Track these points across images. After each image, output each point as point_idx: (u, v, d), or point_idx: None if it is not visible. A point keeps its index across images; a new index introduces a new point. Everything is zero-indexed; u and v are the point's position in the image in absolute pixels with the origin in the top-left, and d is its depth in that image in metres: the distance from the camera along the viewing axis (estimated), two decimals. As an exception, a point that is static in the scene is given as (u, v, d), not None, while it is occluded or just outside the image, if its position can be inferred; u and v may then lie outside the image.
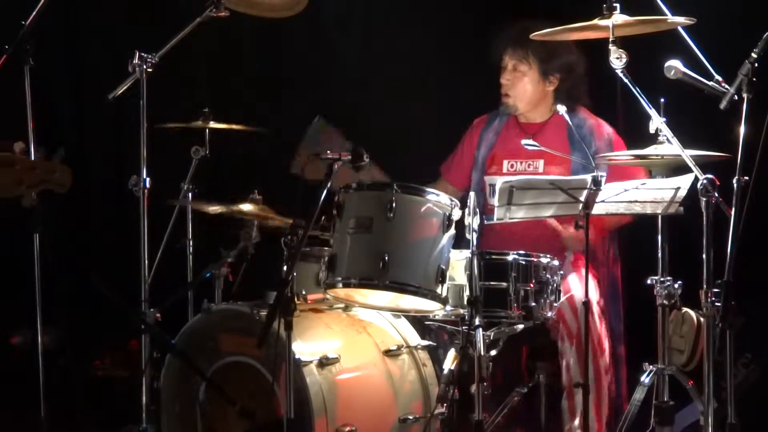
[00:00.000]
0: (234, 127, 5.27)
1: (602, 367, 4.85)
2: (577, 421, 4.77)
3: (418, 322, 4.81)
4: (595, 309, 4.87)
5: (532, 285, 4.57)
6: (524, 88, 5.24)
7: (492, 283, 4.53)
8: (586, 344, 4.43)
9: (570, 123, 4.83)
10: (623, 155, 4.88)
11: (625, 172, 4.92)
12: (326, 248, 4.62)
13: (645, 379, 4.52)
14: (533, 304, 4.58)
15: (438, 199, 4.49)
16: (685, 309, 4.54)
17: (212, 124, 5.22)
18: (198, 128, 5.22)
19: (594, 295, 4.91)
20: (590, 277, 4.46)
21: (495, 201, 4.39)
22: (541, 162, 5.19)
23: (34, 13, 4.69)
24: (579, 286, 4.86)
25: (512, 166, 5.26)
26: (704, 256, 4.13)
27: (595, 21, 4.42)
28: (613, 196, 4.45)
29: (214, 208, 4.83)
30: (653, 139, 4.46)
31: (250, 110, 6.05)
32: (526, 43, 5.04)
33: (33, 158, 3.81)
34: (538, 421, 4.88)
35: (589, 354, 4.59)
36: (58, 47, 6.53)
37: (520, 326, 4.63)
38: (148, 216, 4.78)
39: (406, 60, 6.28)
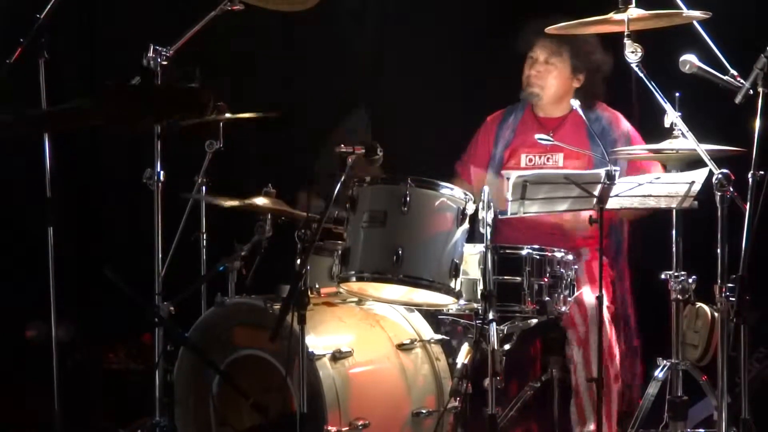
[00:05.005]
0: (246, 115, 5.26)
1: (612, 373, 4.84)
2: (589, 427, 4.77)
3: (432, 316, 4.81)
4: (606, 315, 4.80)
5: (546, 279, 4.58)
6: (552, 81, 5.23)
7: (506, 277, 4.54)
8: (600, 337, 4.42)
9: (585, 118, 4.82)
10: (638, 149, 4.87)
11: (642, 169, 4.92)
12: (340, 242, 4.62)
13: (659, 373, 4.52)
14: (547, 298, 4.59)
15: (452, 193, 4.48)
16: (699, 304, 4.53)
17: (225, 116, 5.21)
18: (212, 122, 5.22)
19: (605, 300, 4.88)
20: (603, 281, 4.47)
21: (509, 195, 4.39)
22: (561, 156, 5.19)
23: (49, 6, 4.70)
24: (589, 291, 4.86)
25: (530, 160, 5.26)
26: (719, 250, 4.12)
27: (611, 15, 4.42)
28: (627, 190, 4.44)
29: (229, 203, 4.83)
30: (668, 133, 4.45)
31: (261, 104, 6.04)
32: (561, 36, 5.03)
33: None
34: (552, 415, 4.88)
35: (603, 351, 4.60)
36: (72, 40, 6.53)
37: (534, 320, 4.64)
38: (161, 209, 4.79)
39: (419, 56, 6.27)
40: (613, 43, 4.61)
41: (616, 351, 4.91)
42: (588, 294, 4.84)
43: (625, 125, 5.21)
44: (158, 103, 2.92)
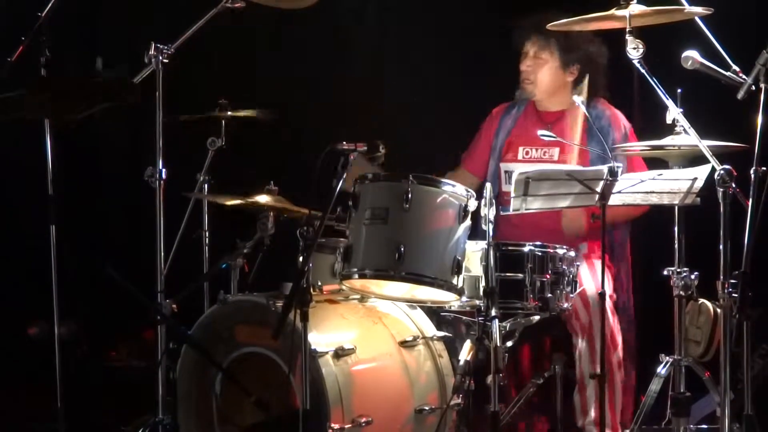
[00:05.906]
0: (247, 114, 5.26)
1: (615, 362, 4.84)
2: (591, 415, 4.78)
3: (434, 313, 4.81)
4: (608, 303, 4.81)
5: (548, 276, 4.58)
6: (544, 75, 5.22)
7: (508, 274, 4.53)
8: (603, 333, 4.43)
9: (588, 114, 4.82)
10: (640, 146, 4.86)
11: (642, 165, 4.92)
12: (342, 239, 4.62)
13: (661, 370, 4.52)
14: (549, 295, 4.58)
15: (454, 190, 4.48)
16: (701, 300, 4.54)
17: (228, 113, 5.21)
18: (214, 119, 5.22)
19: (607, 289, 4.89)
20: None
21: (511, 191, 4.39)
22: (557, 150, 5.18)
23: (50, 5, 4.70)
24: (590, 280, 4.86)
25: (527, 153, 5.25)
26: (721, 246, 4.12)
27: (613, 11, 4.42)
28: (629, 186, 4.44)
29: (231, 202, 4.83)
30: (670, 129, 4.45)
31: (262, 101, 6.04)
32: (548, 31, 5.03)
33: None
34: (554, 412, 4.88)
35: (606, 343, 4.60)
36: (73, 38, 6.53)
37: (536, 317, 4.64)
38: (164, 207, 4.79)
39: (421, 54, 6.27)
40: (613, 38, 4.61)
41: (619, 340, 4.90)
42: (589, 284, 4.83)
43: (626, 125, 5.19)
44: (84, 92, 2.99)
